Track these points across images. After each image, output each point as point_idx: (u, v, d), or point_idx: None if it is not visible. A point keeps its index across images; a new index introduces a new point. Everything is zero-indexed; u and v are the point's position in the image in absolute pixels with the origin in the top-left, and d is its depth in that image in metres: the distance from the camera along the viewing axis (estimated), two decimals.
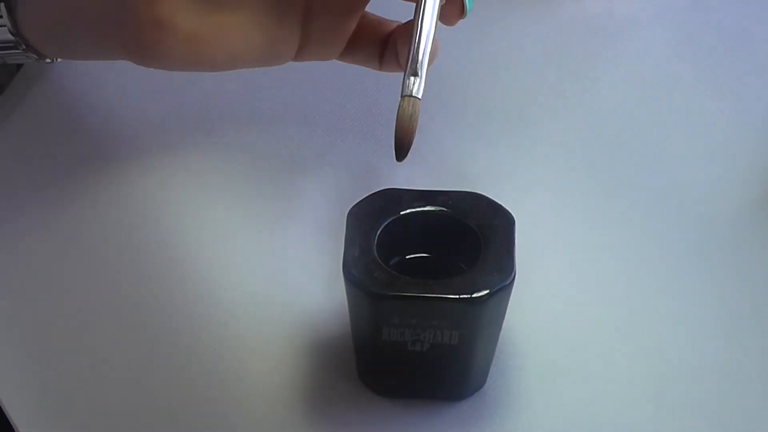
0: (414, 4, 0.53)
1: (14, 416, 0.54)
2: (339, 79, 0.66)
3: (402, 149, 0.52)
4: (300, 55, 0.57)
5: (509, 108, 0.65)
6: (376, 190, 0.53)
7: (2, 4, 0.56)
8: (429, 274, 0.50)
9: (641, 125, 0.65)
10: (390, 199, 0.52)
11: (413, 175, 0.62)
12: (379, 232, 0.51)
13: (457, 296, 0.49)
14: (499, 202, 0.52)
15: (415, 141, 0.63)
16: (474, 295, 0.49)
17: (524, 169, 0.63)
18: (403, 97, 0.51)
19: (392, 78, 0.66)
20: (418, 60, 0.51)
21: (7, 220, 0.61)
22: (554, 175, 0.62)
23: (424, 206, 0.52)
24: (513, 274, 0.50)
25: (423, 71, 0.51)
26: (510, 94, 0.66)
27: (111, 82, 0.65)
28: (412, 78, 0.51)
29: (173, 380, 0.55)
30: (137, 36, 0.52)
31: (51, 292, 0.58)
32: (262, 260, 0.59)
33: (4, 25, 0.57)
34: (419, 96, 0.51)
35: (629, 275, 0.59)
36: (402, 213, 0.52)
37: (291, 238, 0.60)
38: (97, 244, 0.60)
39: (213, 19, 0.53)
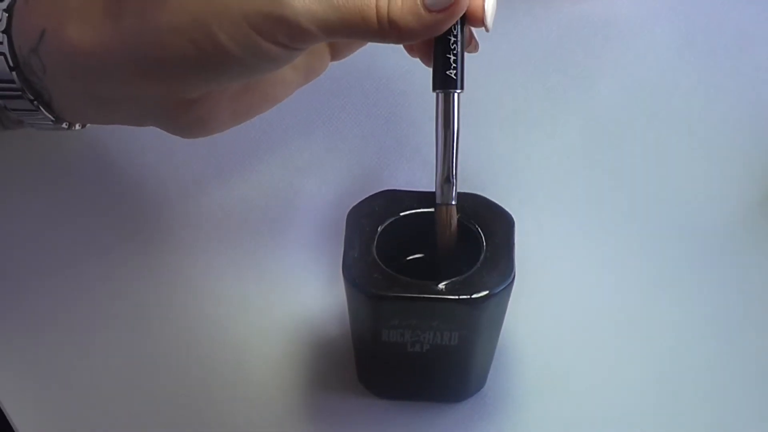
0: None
1: (14, 416, 0.54)
2: (339, 79, 0.66)
3: (445, 255, 0.52)
4: (335, 58, 0.57)
5: (509, 108, 0.65)
6: (376, 191, 0.53)
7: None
8: (429, 275, 0.50)
9: (641, 125, 0.65)
10: (390, 199, 0.52)
11: (413, 175, 0.62)
12: (379, 233, 0.51)
13: (457, 297, 0.49)
14: (499, 203, 0.52)
15: (416, 142, 0.63)
16: (474, 296, 0.49)
17: (524, 169, 0.63)
18: (438, 206, 0.51)
19: (392, 78, 0.66)
20: (450, 166, 0.50)
21: (6, 220, 0.61)
22: (554, 176, 0.62)
23: (424, 207, 0.52)
24: (513, 275, 0.50)
25: (455, 177, 0.50)
26: (510, 94, 0.66)
27: None
28: (445, 185, 0.51)
29: (173, 381, 0.55)
30: (183, 134, 0.54)
31: (51, 292, 0.58)
32: (262, 260, 0.59)
33: (2, 53, 0.53)
34: (454, 203, 0.51)
35: (629, 276, 0.59)
36: (402, 214, 0.52)
37: (291, 238, 0.60)
38: (96, 244, 0.60)
39: (251, 93, 0.54)
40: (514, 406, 0.54)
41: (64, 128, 0.57)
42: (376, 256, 0.50)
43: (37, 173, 0.63)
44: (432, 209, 0.52)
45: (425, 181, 0.61)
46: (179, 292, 0.58)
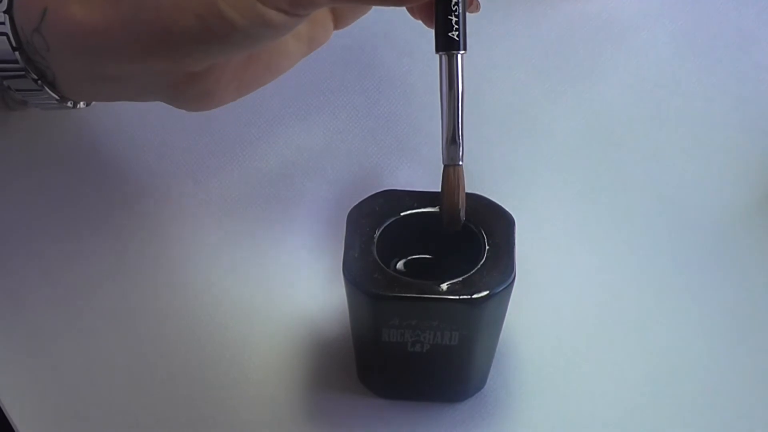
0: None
1: (14, 416, 0.54)
2: (339, 79, 0.66)
3: (453, 219, 0.51)
4: (338, 27, 0.56)
5: (509, 108, 0.65)
6: (377, 191, 0.53)
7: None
8: (429, 275, 0.50)
9: (641, 125, 0.65)
10: (390, 199, 0.52)
11: (413, 175, 0.62)
12: (379, 233, 0.51)
13: (457, 297, 0.49)
14: (499, 203, 0.52)
15: (416, 142, 0.63)
16: (474, 296, 0.49)
17: (524, 169, 0.63)
18: (446, 166, 0.51)
19: (392, 78, 0.66)
20: (455, 127, 0.51)
21: (6, 221, 0.61)
22: (554, 175, 0.62)
23: (424, 207, 0.52)
24: (513, 275, 0.50)
25: (461, 138, 0.51)
26: (510, 94, 0.66)
27: None
28: (452, 147, 0.51)
29: (173, 381, 0.55)
30: (189, 108, 0.55)
31: (51, 293, 0.58)
32: (262, 260, 0.59)
33: (4, 33, 0.53)
34: (461, 163, 0.51)
35: (629, 275, 0.59)
36: (402, 214, 0.52)
37: (291, 238, 0.60)
38: (95, 244, 0.60)
39: (255, 64, 0.54)
40: (514, 406, 0.54)
41: (68, 107, 0.57)
42: (377, 256, 0.50)
43: (35, 172, 0.63)
44: (432, 209, 0.52)
45: (425, 181, 0.61)
46: (179, 291, 0.58)
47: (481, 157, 0.63)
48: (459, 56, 0.50)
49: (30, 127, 0.64)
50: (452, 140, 0.50)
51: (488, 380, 0.54)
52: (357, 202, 0.52)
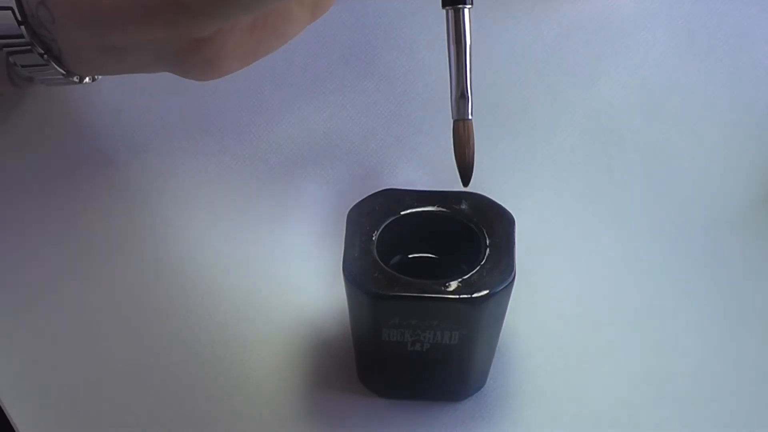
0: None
1: (14, 416, 0.54)
2: (339, 79, 0.66)
3: (466, 174, 0.51)
4: None
5: (509, 108, 0.65)
6: (376, 190, 0.53)
7: None
8: (429, 274, 0.50)
9: (641, 125, 0.65)
10: (390, 199, 0.52)
11: (413, 175, 0.62)
12: (379, 232, 0.51)
13: (457, 296, 0.49)
14: (499, 202, 0.52)
15: (416, 142, 0.63)
16: (474, 296, 0.49)
17: (524, 169, 0.63)
18: (455, 121, 0.51)
19: (392, 77, 0.66)
20: (463, 82, 0.51)
21: (6, 220, 0.61)
22: (554, 175, 0.62)
23: (424, 206, 0.52)
24: (513, 275, 0.50)
25: (470, 92, 0.51)
26: (510, 94, 0.66)
27: (111, 81, 0.65)
28: (461, 101, 0.51)
29: (173, 381, 0.55)
30: (196, 77, 0.55)
31: (51, 292, 0.58)
32: (262, 260, 0.59)
33: (9, 7, 0.52)
34: (470, 117, 0.51)
35: (629, 275, 0.59)
36: (402, 213, 0.52)
37: (291, 238, 0.60)
38: (96, 244, 0.60)
39: (259, 30, 0.54)
40: (514, 405, 0.54)
41: (75, 82, 0.57)
42: (377, 256, 0.50)
43: (35, 172, 0.63)
44: (432, 209, 0.52)
45: (425, 180, 0.61)
46: (179, 291, 0.58)
47: (481, 157, 0.63)
48: (466, 10, 0.50)
49: (30, 126, 0.64)
50: (461, 95, 0.50)
51: (488, 380, 0.54)
52: (357, 202, 0.52)
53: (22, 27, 0.53)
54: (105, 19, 0.51)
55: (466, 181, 0.51)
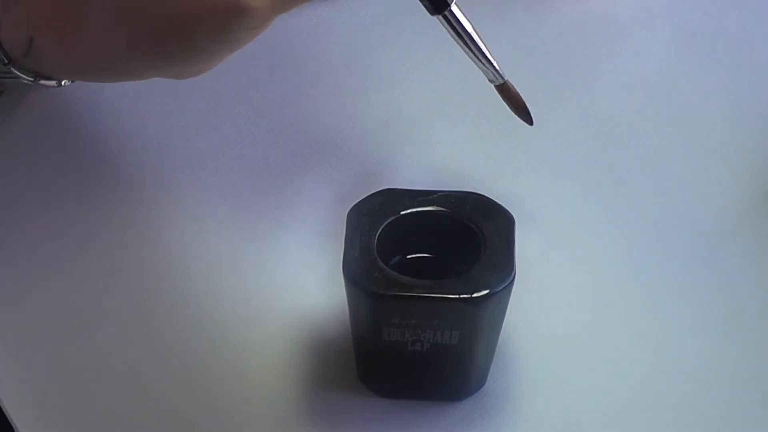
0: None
1: (14, 416, 0.54)
2: (339, 78, 0.66)
3: (528, 114, 0.58)
4: None
5: (509, 109, 0.65)
6: (376, 190, 0.53)
7: None
8: (429, 274, 0.50)
9: (641, 125, 0.65)
10: (390, 199, 0.52)
11: (413, 175, 0.62)
12: (379, 232, 0.51)
13: (457, 296, 0.49)
14: (499, 202, 0.52)
15: (416, 142, 0.64)
16: (474, 295, 0.49)
17: (524, 169, 0.63)
18: (500, 86, 0.58)
19: (392, 77, 0.66)
20: (489, 59, 0.57)
21: (6, 220, 0.61)
22: (554, 175, 0.62)
23: (424, 206, 0.52)
24: (513, 274, 0.50)
25: (495, 62, 0.57)
26: None
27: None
28: (496, 73, 0.57)
29: (173, 380, 0.55)
30: (183, 78, 0.56)
31: (51, 291, 0.58)
32: (262, 260, 0.59)
33: None
34: (506, 79, 0.58)
35: (629, 275, 0.59)
36: (402, 213, 0.52)
37: (291, 238, 0.60)
38: (96, 244, 0.60)
39: None
40: (515, 405, 0.54)
41: (47, 86, 0.57)
42: (377, 255, 0.50)
43: (34, 171, 0.63)
44: (432, 208, 0.52)
45: (425, 180, 0.61)
46: (179, 290, 0.58)
47: (481, 157, 0.63)
48: (452, 9, 0.54)
49: (29, 126, 0.64)
50: (494, 69, 0.57)
51: (488, 379, 0.54)
52: (357, 202, 0.52)
53: (9, 66, 0.53)
54: (91, 70, 0.52)
55: (531, 120, 0.59)
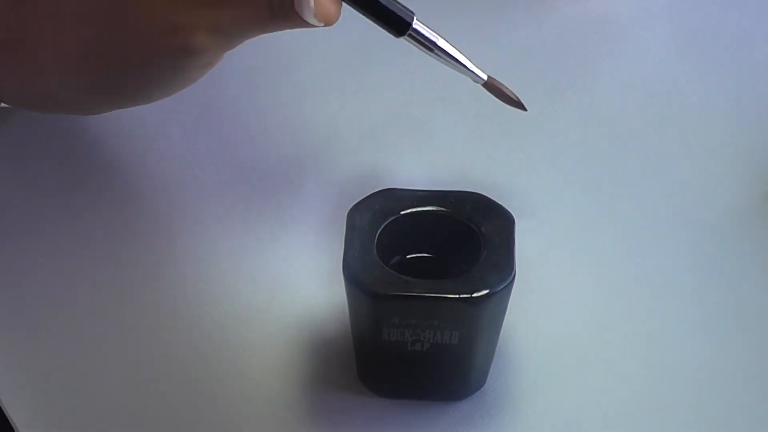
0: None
1: (14, 416, 0.54)
2: (339, 78, 0.66)
3: (519, 103, 0.58)
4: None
5: (510, 108, 0.65)
6: (376, 190, 0.53)
7: None
8: (429, 274, 0.50)
9: (641, 125, 0.65)
10: (390, 199, 0.52)
11: (413, 175, 0.62)
12: (379, 232, 0.51)
13: (457, 296, 0.49)
14: (499, 202, 0.52)
15: (416, 142, 0.64)
16: (474, 295, 0.49)
17: (524, 169, 0.63)
18: (486, 84, 0.57)
19: (392, 76, 0.66)
20: (464, 66, 0.56)
21: (6, 220, 0.61)
22: (554, 175, 0.62)
23: (424, 206, 0.52)
24: (513, 274, 0.50)
25: (471, 63, 0.56)
26: None
27: None
28: (474, 70, 0.56)
29: (173, 380, 0.55)
30: None
31: (51, 292, 0.58)
32: (262, 260, 0.59)
33: None
34: (486, 76, 0.57)
35: (629, 275, 0.59)
36: (402, 213, 0.52)
37: (291, 238, 0.60)
38: (96, 245, 0.60)
39: None
40: (515, 405, 0.54)
41: None
42: (377, 255, 0.50)
43: (34, 172, 0.63)
44: (432, 208, 0.52)
45: (425, 180, 0.61)
46: (179, 290, 0.58)
47: (481, 157, 0.63)
48: (415, 26, 0.54)
49: (29, 126, 0.64)
50: (471, 72, 0.56)
51: (488, 379, 0.54)
52: (357, 202, 0.52)
53: None
54: (51, 108, 0.55)
55: (523, 106, 0.58)
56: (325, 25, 0.52)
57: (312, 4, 0.51)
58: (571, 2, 0.70)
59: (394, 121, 0.65)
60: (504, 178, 0.62)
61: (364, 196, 0.52)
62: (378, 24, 0.54)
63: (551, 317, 0.57)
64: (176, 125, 0.64)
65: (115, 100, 0.56)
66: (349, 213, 0.52)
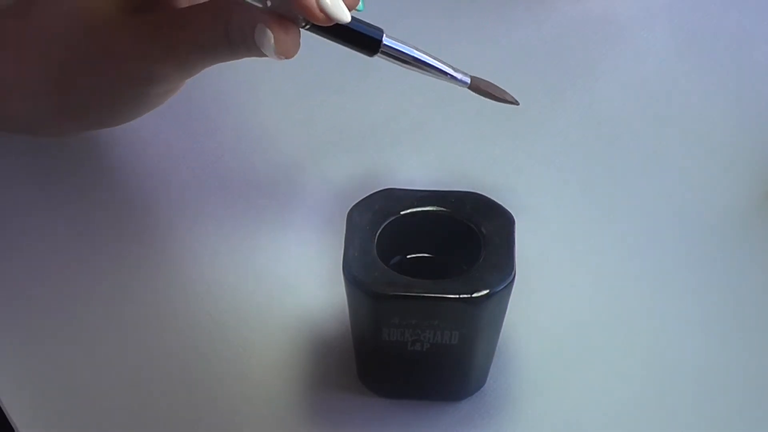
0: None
1: (14, 416, 0.54)
2: (339, 78, 0.66)
3: (509, 98, 0.57)
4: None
5: (509, 107, 0.65)
6: (376, 190, 0.53)
7: None
8: (429, 274, 0.50)
9: (641, 125, 0.65)
10: (390, 199, 0.52)
11: (413, 175, 0.62)
12: (379, 232, 0.51)
13: (457, 296, 0.49)
14: (499, 202, 0.52)
15: (416, 141, 0.64)
16: (474, 295, 0.49)
17: (524, 169, 0.63)
18: (471, 86, 0.56)
19: (392, 76, 0.66)
20: (443, 67, 0.55)
21: (6, 220, 0.61)
22: (554, 175, 0.62)
23: (424, 206, 0.52)
24: (513, 274, 0.50)
25: (450, 67, 0.56)
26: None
27: None
28: (458, 74, 0.56)
29: (173, 380, 0.55)
30: None
31: (51, 291, 0.58)
32: (262, 260, 0.59)
33: None
34: (468, 79, 0.56)
35: (629, 275, 0.59)
36: (402, 213, 0.52)
37: (291, 238, 0.60)
38: (96, 244, 0.60)
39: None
40: (515, 405, 0.54)
41: None
42: (377, 255, 0.50)
43: (34, 171, 0.63)
44: (432, 208, 0.52)
45: (425, 180, 0.61)
46: (179, 290, 0.58)
47: (481, 157, 0.63)
48: (386, 42, 0.54)
49: None
50: (452, 74, 0.55)
51: (488, 379, 0.54)
52: (357, 202, 0.52)
53: None
54: (18, 131, 0.58)
55: (515, 101, 0.57)
56: (285, 59, 0.52)
57: (272, 41, 0.51)
58: (571, 2, 0.70)
59: (394, 121, 0.65)
60: (504, 178, 0.62)
61: (364, 196, 0.52)
62: (349, 47, 0.54)
63: (551, 317, 0.57)
64: (176, 125, 0.64)
65: (81, 124, 0.58)
66: (349, 213, 0.52)
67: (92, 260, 0.59)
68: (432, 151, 0.63)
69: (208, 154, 0.63)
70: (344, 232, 0.51)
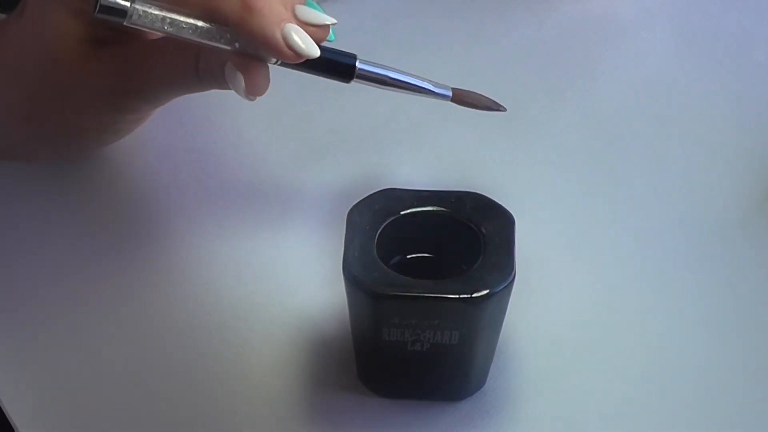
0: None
1: (14, 416, 0.54)
2: None
3: (497, 106, 0.57)
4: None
5: (509, 107, 0.65)
6: (376, 190, 0.53)
7: None
8: (429, 274, 0.50)
9: (641, 125, 0.65)
10: (390, 199, 0.52)
11: (413, 175, 0.62)
12: (379, 232, 0.51)
13: (457, 296, 0.49)
14: (499, 202, 0.52)
15: (416, 141, 0.64)
16: (474, 295, 0.49)
17: (524, 169, 0.63)
18: (454, 99, 0.56)
19: None
20: (421, 84, 0.56)
21: (6, 220, 0.61)
22: (554, 175, 0.62)
23: (424, 206, 0.52)
24: (513, 274, 0.50)
25: (429, 82, 0.56)
26: (510, 94, 0.65)
27: None
28: (439, 88, 0.56)
29: (173, 380, 0.55)
30: None
31: (51, 291, 0.58)
32: (262, 260, 0.59)
33: None
34: (449, 92, 0.56)
35: (629, 275, 0.59)
36: (402, 213, 0.52)
37: (291, 238, 0.60)
38: (96, 244, 0.60)
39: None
40: (515, 405, 0.54)
41: None
42: (377, 255, 0.50)
43: (34, 172, 0.63)
44: (432, 208, 0.52)
45: (425, 180, 0.61)
46: (179, 291, 0.58)
47: (481, 157, 0.63)
48: (360, 68, 0.54)
49: None
50: (431, 89, 0.55)
51: (488, 379, 0.54)
52: (357, 202, 0.52)
53: None
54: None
55: (502, 107, 0.57)
56: (256, 98, 0.53)
57: (242, 82, 0.52)
58: (571, 2, 0.70)
59: (394, 121, 0.65)
60: (504, 178, 0.62)
61: (364, 196, 0.52)
62: (323, 76, 0.54)
63: (551, 317, 0.57)
64: (176, 125, 0.64)
65: (50, 154, 0.60)
66: (349, 213, 0.52)
67: (92, 260, 0.59)
68: (432, 151, 0.63)
69: (208, 154, 0.63)
70: (344, 232, 0.51)
